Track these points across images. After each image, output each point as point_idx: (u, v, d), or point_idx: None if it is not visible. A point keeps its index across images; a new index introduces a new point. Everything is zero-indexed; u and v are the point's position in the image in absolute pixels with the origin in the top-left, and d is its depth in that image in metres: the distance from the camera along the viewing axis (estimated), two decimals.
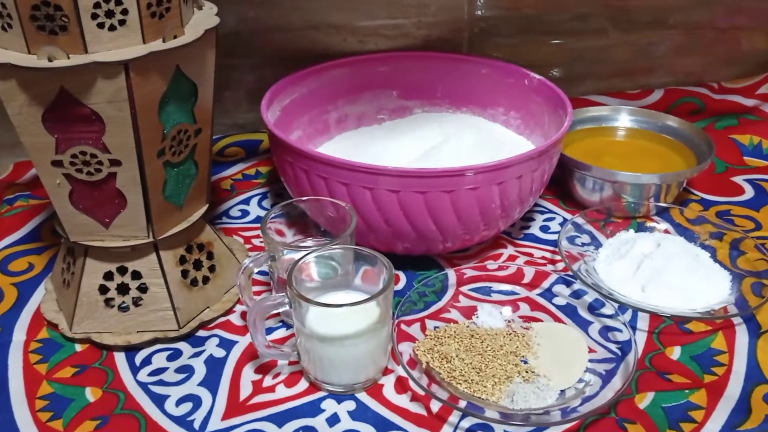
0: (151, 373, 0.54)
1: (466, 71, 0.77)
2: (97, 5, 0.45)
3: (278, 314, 0.59)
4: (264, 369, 0.54)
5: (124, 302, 0.56)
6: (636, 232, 0.68)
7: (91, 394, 0.52)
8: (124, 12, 0.46)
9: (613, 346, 0.55)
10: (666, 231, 0.68)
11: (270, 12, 0.78)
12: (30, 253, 0.67)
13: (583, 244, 0.66)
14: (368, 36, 0.81)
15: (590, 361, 0.54)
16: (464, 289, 0.61)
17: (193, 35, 0.50)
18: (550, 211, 0.73)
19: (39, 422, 0.50)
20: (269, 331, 0.58)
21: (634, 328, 0.58)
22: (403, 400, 0.52)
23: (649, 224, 0.69)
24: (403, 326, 0.56)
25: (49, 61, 0.45)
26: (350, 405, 0.51)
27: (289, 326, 0.58)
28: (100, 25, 0.46)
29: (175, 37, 0.49)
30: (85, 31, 0.45)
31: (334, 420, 0.50)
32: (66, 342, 0.57)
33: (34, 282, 0.63)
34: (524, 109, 0.74)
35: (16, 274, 0.65)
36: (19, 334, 0.58)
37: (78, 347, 0.57)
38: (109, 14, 0.46)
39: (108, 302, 0.56)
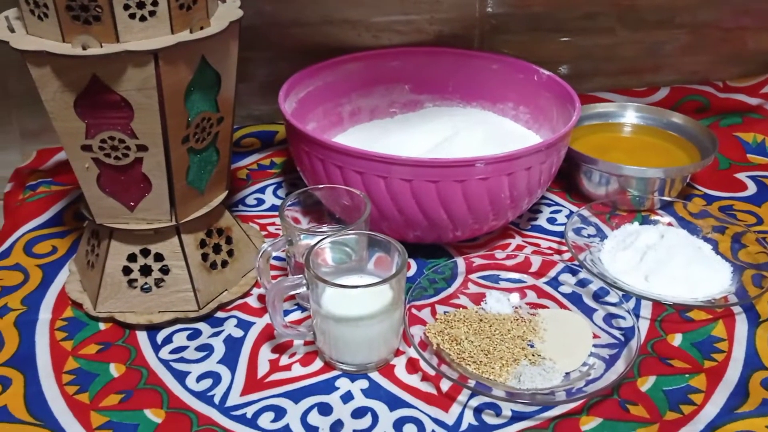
0: (173, 351, 0.56)
1: (477, 67, 0.79)
2: None
3: (294, 297, 0.61)
4: (280, 349, 0.56)
5: (146, 283, 0.59)
6: (640, 224, 0.70)
7: (115, 370, 0.54)
8: (155, 3, 0.48)
9: (616, 332, 0.57)
10: (669, 224, 0.70)
11: (287, 6, 0.80)
12: (53, 237, 0.70)
13: (589, 236, 0.68)
14: (382, 31, 0.83)
15: (594, 345, 0.56)
16: (473, 276, 0.63)
17: (219, 27, 0.52)
18: (557, 204, 0.75)
19: (66, 395, 0.52)
20: (286, 313, 0.60)
21: (637, 316, 0.60)
22: (414, 380, 0.54)
23: (654, 217, 0.71)
24: (414, 310, 0.58)
25: (83, 49, 0.47)
26: (363, 384, 0.53)
27: (304, 309, 0.61)
28: (132, 16, 0.48)
29: (201, 28, 0.51)
30: (118, 21, 0.48)
31: (347, 397, 0.52)
32: (90, 321, 0.59)
33: (58, 264, 0.66)
34: (533, 104, 0.76)
35: (41, 256, 0.67)
36: (45, 313, 0.60)
37: (102, 326, 0.59)
38: (140, 5, 0.48)
39: (131, 283, 0.59)
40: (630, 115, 0.82)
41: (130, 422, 0.50)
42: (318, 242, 0.54)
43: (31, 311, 0.60)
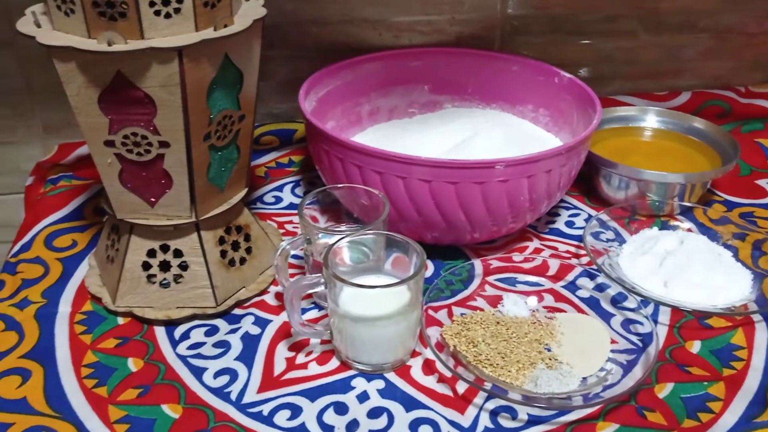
0: (190, 347, 0.57)
1: (497, 68, 0.79)
2: None
3: (311, 296, 0.61)
4: (297, 347, 0.57)
5: (165, 279, 0.59)
6: (660, 229, 0.69)
7: (133, 364, 0.55)
8: (180, 1, 0.48)
9: (634, 338, 0.57)
10: (689, 230, 0.69)
11: (308, 5, 0.81)
12: (73, 231, 0.70)
13: (608, 240, 0.68)
14: (403, 31, 0.83)
15: (612, 351, 0.56)
16: (490, 278, 0.63)
17: (242, 25, 0.52)
18: (576, 207, 0.75)
19: (85, 388, 0.53)
20: (303, 311, 0.60)
21: (655, 322, 0.59)
22: (430, 381, 0.54)
23: (673, 223, 0.70)
24: (430, 312, 0.58)
25: (108, 45, 0.48)
26: (379, 384, 0.53)
27: (321, 308, 0.61)
28: (157, 13, 0.48)
29: (225, 26, 0.51)
30: (143, 18, 0.48)
31: (363, 397, 0.52)
32: (109, 315, 0.60)
33: (78, 258, 0.66)
34: (553, 106, 0.76)
35: (61, 249, 0.68)
36: (65, 306, 0.60)
37: (120, 320, 0.59)
38: (166, 2, 0.48)
39: (150, 278, 0.59)
40: (651, 120, 0.81)
41: (148, 417, 0.50)
42: (336, 241, 0.54)
43: (51, 304, 0.61)
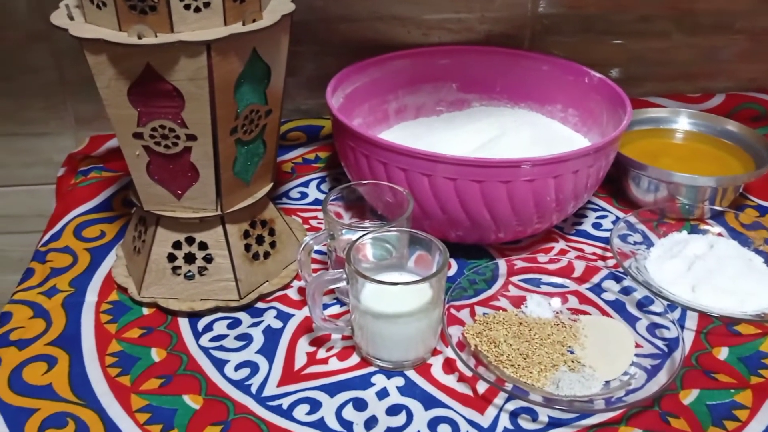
0: (212, 339, 0.57)
1: (527, 67, 0.78)
2: None
3: (333, 291, 0.61)
4: (318, 342, 0.57)
5: (190, 271, 0.59)
6: (689, 233, 0.68)
7: (156, 355, 0.55)
8: None
9: (660, 343, 0.56)
10: (719, 234, 0.68)
11: (337, 2, 0.81)
12: (102, 222, 0.71)
13: (635, 243, 0.67)
14: (432, 29, 0.83)
15: (636, 355, 0.55)
16: (514, 279, 0.63)
17: (271, 20, 0.52)
18: (603, 209, 0.74)
19: (108, 377, 0.53)
20: (325, 306, 0.60)
21: (682, 327, 0.58)
22: (450, 380, 0.53)
23: (703, 227, 0.69)
24: (452, 310, 0.58)
25: (138, 38, 0.48)
26: (399, 381, 0.53)
27: (343, 303, 0.61)
28: (187, 7, 0.49)
29: (253, 20, 0.52)
30: (173, 12, 0.48)
31: (383, 394, 0.52)
32: (134, 305, 0.60)
33: (106, 248, 0.67)
34: (583, 107, 0.75)
35: (89, 240, 0.69)
36: (92, 296, 0.61)
37: (145, 311, 0.60)
38: None
39: (175, 270, 0.59)
40: (682, 122, 0.80)
41: (169, 407, 0.51)
42: (359, 238, 0.54)
43: (78, 293, 0.62)
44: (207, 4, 0.49)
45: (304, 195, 0.76)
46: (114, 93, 0.51)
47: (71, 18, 0.52)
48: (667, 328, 0.56)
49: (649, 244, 0.67)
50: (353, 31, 0.83)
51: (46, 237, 0.69)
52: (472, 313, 0.59)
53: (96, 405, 0.51)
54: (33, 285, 0.62)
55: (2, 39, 0.78)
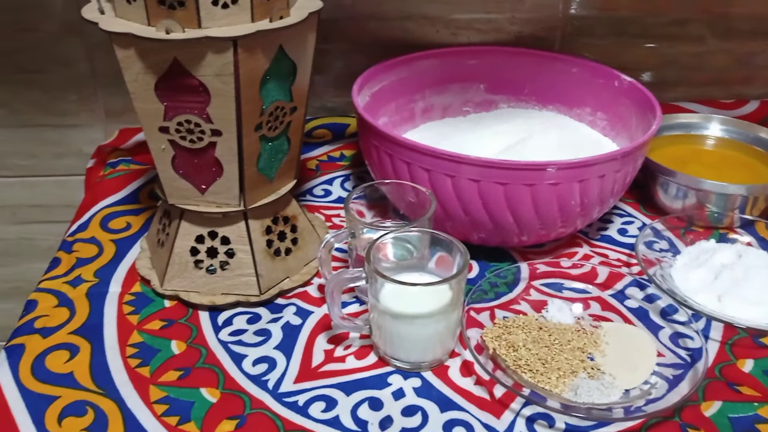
0: (232, 333, 0.57)
1: (556, 69, 0.78)
2: None
3: (353, 290, 0.61)
4: (336, 340, 0.57)
5: (212, 265, 0.60)
6: (717, 242, 0.67)
7: (176, 347, 0.56)
8: None
9: (683, 353, 0.55)
10: (749, 244, 0.66)
11: (366, 0, 0.81)
12: (128, 214, 0.72)
13: (661, 250, 0.66)
14: (461, 29, 0.83)
15: (658, 364, 0.54)
16: (536, 283, 0.62)
17: (298, 17, 0.52)
18: (630, 215, 0.73)
19: (129, 367, 0.54)
20: (344, 305, 0.60)
21: (706, 337, 0.57)
22: (467, 383, 0.53)
23: (732, 236, 0.67)
24: (472, 313, 0.58)
25: (166, 33, 0.49)
26: (416, 382, 0.53)
27: (362, 302, 0.61)
28: (215, 3, 0.49)
29: (281, 17, 0.52)
30: (201, 8, 0.49)
31: (399, 394, 0.52)
32: (156, 297, 0.61)
33: (131, 240, 0.68)
34: (612, 110, 0.74)
35: (115, 231, 0.69)
36: (115, 286, 0.62)
37: (167, 303, 0.61)
38: None
39: (197, 264, 0.60)
40: (714, 128, 0.78)
41: (187, 399, 0.51)
42: (380, 237, 0.54)
43: (103, 284, 0.62)
44: (234, 1, 0.49)
45: (327, 192, 0.76)
46: (141, 87, 0.52)
47: (102, 12, 0.53)
48: (691, 338, 0.55)
49: (676, 251, 0.66)
50: (382, 29, 0.83)
51: (74, 227, 0.70)
52: (492, 316, 0.59)
53: (115, 395, 0.52)
54: (59, 274, 0.63)
55: (37, 32, 0.80)
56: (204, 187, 0.57)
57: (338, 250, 0.66)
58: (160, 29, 0.49)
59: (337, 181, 0.78)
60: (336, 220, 0.72)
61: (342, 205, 0.73)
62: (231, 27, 0.50)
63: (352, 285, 0.55)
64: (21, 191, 0.89)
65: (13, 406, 0.50)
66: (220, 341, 0.57)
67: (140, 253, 0.66)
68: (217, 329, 0.58)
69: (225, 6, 0.49)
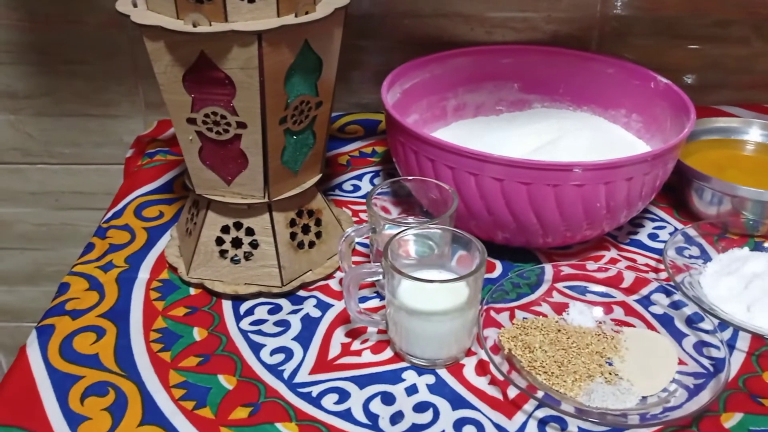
0: (252, 323, 0.58)
1: (592, 70, 0.76)
2: None
3: (374, 284, 0.62)
4: (354, 334, 0.57)
5: (236, 255, 0.61)
6: (751, 250, 0.65)
7: (197, 334, 0.57)
8: None
9: (706, 362, 0.53)
10: None
11: None
12: (162, 203, 0.74)
13: (691, 257, 0.64)
14: (496, 27, 0.82)
15: (679, 372, 0.53)
16: (559, 285, 0.61)
17: (323, 12, 0.53)
18: (662, 220, 0.71)
19: (151, 351, 0.55)
20: (364, 299, 0.61)
21: (732, 347, 0.56)
22: (481, 382, 0.53)
23: (767, 244, 0.65)
24: (492, 313, 0.57)
25: (194, 26, 0.50)
26: (430, 379, 0.53)
27: (382, 297, 0.61)
28: None
29: (306, 13, 0.52)
30: (227, 2, 0.50)
31: (412, 390, 0.52)
32: (182, 285, 0.63)
33: (162, 228, 0.70)
34: (647, 112, 0.73)
35: (148, 219, 0.71)
36: (144, 273, 0.64)
37: (191, 291, 0.62)
38: None
39: (222, 253, 0.61)
40: (754, 133, 0.76)
41: (204, 385, 0.52)
42: (398, 233, 0.54)
43: (132, 269, 0.64)
44: None
45: (356, 188, 0.77)
46: (170, 79, 0.53)
47: (134, 5, 0.54)
48: (716, 347, 0.54)
49: (707, 258, 0.64)
50: (417, 27, 0.83)
51: (109, 214, 0.72)
52: (512, 317, 0.58)
53: (136, 377, 0.53)
54: (92, 259, 0.66)
55: (82, 24, 0.83)
56: (230, 178, 0.58)
57: (361, 245, 0.66)
58: (188, 22, 0.50)
59: (367, 177, 0.79)
60: (363, 216, 0.72)
61: None
62: (256, 21, 0.51)
63: (369, 280, 0.55)
64: (64, 178, 0.92)
65: (40, 383, 0.52)
66: (241, 330, 0.58)
67: (170, 242, 0.67)
68: (238, 318, 0.59)
69: (251, 0, 0.50)
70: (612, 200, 0.59)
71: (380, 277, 0.53)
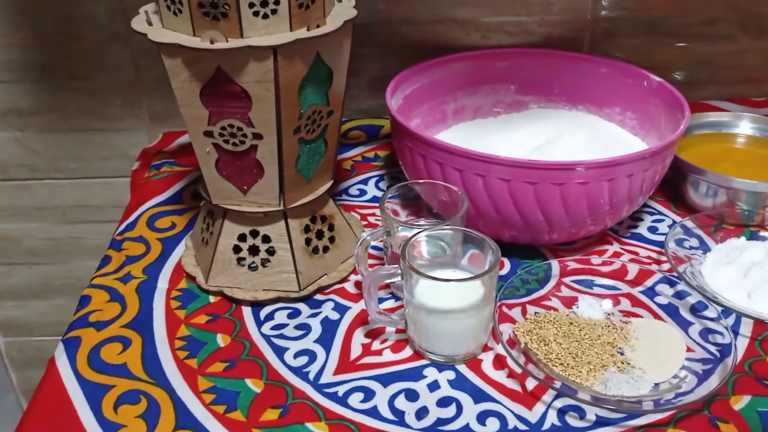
0: (274, 327, 0.60)
1: (585, 70, 0.79)
2: None
3: (389, 286, 0.64)
4: (373, 334, 0.59)
5: (253, 262, 0.63)
6: (748, 239, 0.67)
7: (221, 340, 0.59)
8: (277, 2, 0.52)
9: (712, 348, 0.56)
10: None
11: (399, 5, 0.83)
12: (173, 213, 0.75)
13: (691, 248, 0.67)
14: (491, 32, 0.84)
15: (687, 359, 0.55)
16: (567, 280, 0.64)
17: (334, 25, 0.55)
18: (660, 213, 0.74)
19: (177, 358, 0.57)
20: (380, 300, 0.62)
21: (736, 333, 0.58)
22: (500, 376, 0.55)
23: (763, 233, 0.68)
24: (504, 309, 0.59)
25: (211, 43, 0.52)
26: (450, 375, 0.55)
27: (398, 298, 0.63)
28: (255, 14, 0.52)
29: (317, 26, 0.54)
30: (243, 19, 0.52)
31: (434, 386, 0.54)
32: (201, 293, 0.64)
33: (176, 238, 0.71)
34: (641, 110, 0.75)
35: (161, 230, 0.73)
36: (163, 282, 0.65)
37: (211, 298, 0.64)
38: (264, 4, 0.52)
39: (240, 261, 0.63)
40: (745, 126, 0.79)
41: (233, 389, 0.54)
42: (414, 235, 0.56)
43: (151, 280, 0.66)
44: (274, 11, 0.52)
45: (362, 192, 0.79)
46: (187, 93, 0.55)
47: (150, 23, 0.56)
48: (721, 333, 0.56)
49: (706, 249, 0.67)
50: (414, 33, 0.85)
51: (122, 227, 0.74)
52: (524, 312, 0.60)
53: (166, 384, 0.55)
54: (110, 271, 0.67)
55: (85, 40, 0.84)
56: (246, 188, 0.60)
57: (374, 247, 0.68)
58: (205, 39, 0.52)
59: (372, 181, 0.81)
60: (371, 219, 0.74)
61: (376, 204, 0.76)
62: (271, 36, 0.52)
63: (388, 281, 0.57)
64: (71, 192, 0.93)
65: (72, 394, 0.54)
66: (263, 335, 0.59)
67: (185, 251, 0.69)
68: (259, 323, 0.61)
69: (265, 17, 0.52)
70: (614, 196, 0.61)
71: (398, 278, 0.55)
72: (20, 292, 1.01)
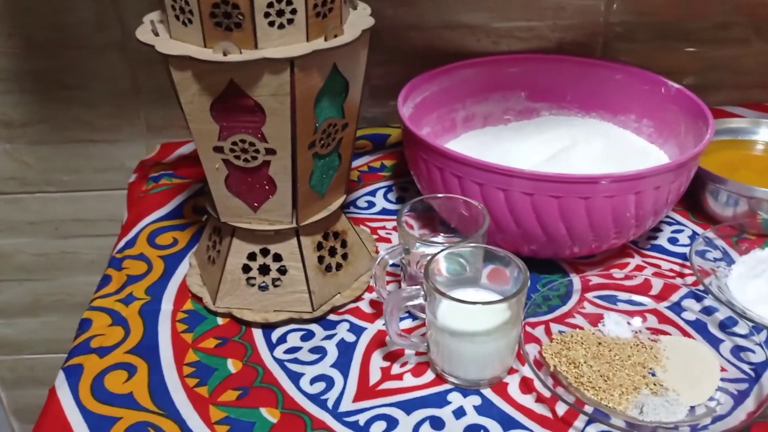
0: (287, 351, 0.57)
1: (599, 76, 0.77)
2: (270, 5, 0.48)
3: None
4: (392, 357, 0.56)
5: (264, 282, 0.60)
6: None
7: (232, 366, 0.56)
8: (293, 12, 0.49)
9: (746, 367, 0.54)
10: None
11: (408, 11, 0.80)
12: (174, 229, 0.72)
13: (715, 260, 0.65)
14: (502, 37, 0.82)
15: (721, 380, 0.53)
16: (589, 295, 0.61)
17: (352, 35, 0.52)
18: (679, 223, 0.72)
19: (187, 387, 0.54)
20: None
21: None
22: (527, 400, 0.53)
23: None
24: (528, 328, 0.57)
25: (224, 55, 0.49)
26: (476, 400, 0.53)
27: (415, 317, 0.60)
28: (271, 24, 0.49)
29: (335, 36, 0.51)
30: (257, 29, 0.49)
31: (460, 413, 0.52)
32: (209, 315, 0.61)
33: (179, 256, 0.68)
34: (658, 117, 0.73)
35: (163, 247, 0.70)
36: (167, 304, 0.62)
37: (219, 320, 0.61)
38: (280, 13, 0.49)
39: (249, 281, 0.60)
40: (764, 133, 0.77)
41: (247, 420, 0.51)
42: (437, 253, 0.53)
43: (155, 301, 0.63)
44: (291, 21, 0.49)
45: (371, 204, 0.76)
46: (197, 108, 0.52)
47: (156, 33, 0.53)
48: (753, 351, 0.54)
49: (730, 261, 0.65)
50: (422, 39, 0.82)
51: (121, 244, 0.71)
52: (548, 331, 0.58)
53: (176, 416, 0.52)
54: (111, 292, 0.64)
55: (80, 49, 0.80)
56: (256, 205, 0.57)
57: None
58: (217, 51, 0.49)
59: (380, 192, 0.78)
60: (382, 233, 0.71)
61: (387, 217, 0.73)
62: (287, 47, 0.50)
63: (410, 303, 0.54)
64: (64, 206, 0.90)
65: (76, 428, 0.51)
66: (276, 359, 0.57)
67: (190, 270, 0.66)
68: (271, 347, 0.58)
69: (281, 26, 0.49)
70: (641, 209, 0.59)
71: (421, 300, 0.52)
72: (10, 310, 0.97)
